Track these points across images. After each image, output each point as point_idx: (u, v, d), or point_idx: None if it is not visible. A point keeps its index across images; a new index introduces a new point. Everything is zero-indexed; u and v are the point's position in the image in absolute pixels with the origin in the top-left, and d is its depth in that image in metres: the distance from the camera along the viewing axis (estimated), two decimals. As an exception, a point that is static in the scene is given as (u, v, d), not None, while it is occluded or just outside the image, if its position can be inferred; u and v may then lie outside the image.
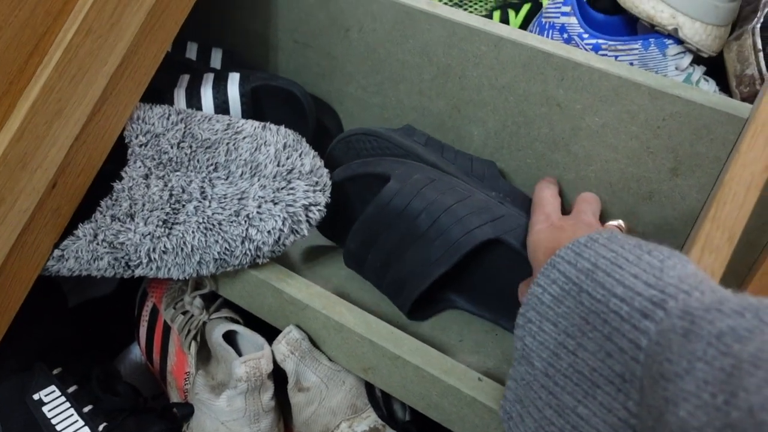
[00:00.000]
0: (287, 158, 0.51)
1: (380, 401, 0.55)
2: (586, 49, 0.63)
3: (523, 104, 0.56)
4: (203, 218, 0.49)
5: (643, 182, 0.54)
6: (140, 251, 0.49)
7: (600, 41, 0.63)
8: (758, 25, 0.60)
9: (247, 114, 0.61)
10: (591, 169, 0.56)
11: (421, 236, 0.53)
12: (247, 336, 0.56)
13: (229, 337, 0.58)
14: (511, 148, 0.59)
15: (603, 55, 0.63)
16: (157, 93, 0.58)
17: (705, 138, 0.50)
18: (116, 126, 0.52)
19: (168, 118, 0.52)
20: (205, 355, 0.60)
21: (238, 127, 0.52)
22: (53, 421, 0.53)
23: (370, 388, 0.55)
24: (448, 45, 0.58)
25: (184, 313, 0.61)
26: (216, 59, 0.66)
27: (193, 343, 0.58)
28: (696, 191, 0.52)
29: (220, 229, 0.49)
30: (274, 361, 0.53)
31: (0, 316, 0.50)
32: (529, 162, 0.59)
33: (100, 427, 0.53)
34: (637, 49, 0.62)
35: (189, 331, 0.58)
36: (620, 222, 0.53)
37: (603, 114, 0.53)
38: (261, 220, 0.49)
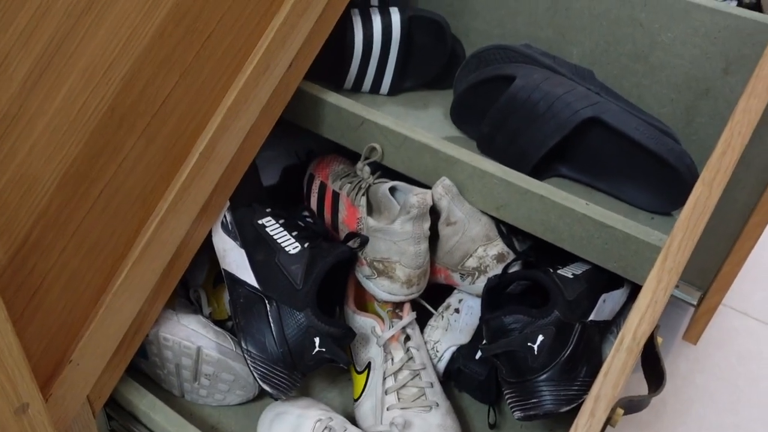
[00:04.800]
0: None
1: (505, 233, 0.75)
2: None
3: (613, 27, 0.78)
4: None
5: (701, 81, 0.75)
6: None
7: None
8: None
9: (403, 37, 0.83)
10: (663, 74, 0.77)
11: (539, 117, 0.74)
12: (406, 190, 0.77)
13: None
14: (602, 62, 0.80)
15: None
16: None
17: (748, 43, 0.70)
18: (327, 29, 0.75)
19: None
20: (368, 210, 0.81)
21: None
22: (274, 237, 0.74)
23: (497, 224, 0.76)
24: (558, -14, 0.79)
25: (351, 182, 0.82)
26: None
27: (363, 197, 0.79)
28: (741, 85, 0.73)
29: None
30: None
31: (246, 154, 0.72)
32: (616, 72, 0.80)
33: (305, 244, 0.74)
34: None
35: (360, 188, 0.80)
36: None
37: (674, 30, 0.74)
38: None
